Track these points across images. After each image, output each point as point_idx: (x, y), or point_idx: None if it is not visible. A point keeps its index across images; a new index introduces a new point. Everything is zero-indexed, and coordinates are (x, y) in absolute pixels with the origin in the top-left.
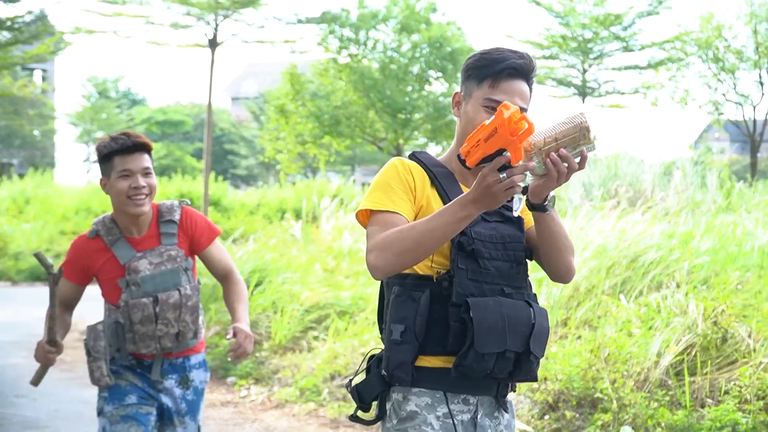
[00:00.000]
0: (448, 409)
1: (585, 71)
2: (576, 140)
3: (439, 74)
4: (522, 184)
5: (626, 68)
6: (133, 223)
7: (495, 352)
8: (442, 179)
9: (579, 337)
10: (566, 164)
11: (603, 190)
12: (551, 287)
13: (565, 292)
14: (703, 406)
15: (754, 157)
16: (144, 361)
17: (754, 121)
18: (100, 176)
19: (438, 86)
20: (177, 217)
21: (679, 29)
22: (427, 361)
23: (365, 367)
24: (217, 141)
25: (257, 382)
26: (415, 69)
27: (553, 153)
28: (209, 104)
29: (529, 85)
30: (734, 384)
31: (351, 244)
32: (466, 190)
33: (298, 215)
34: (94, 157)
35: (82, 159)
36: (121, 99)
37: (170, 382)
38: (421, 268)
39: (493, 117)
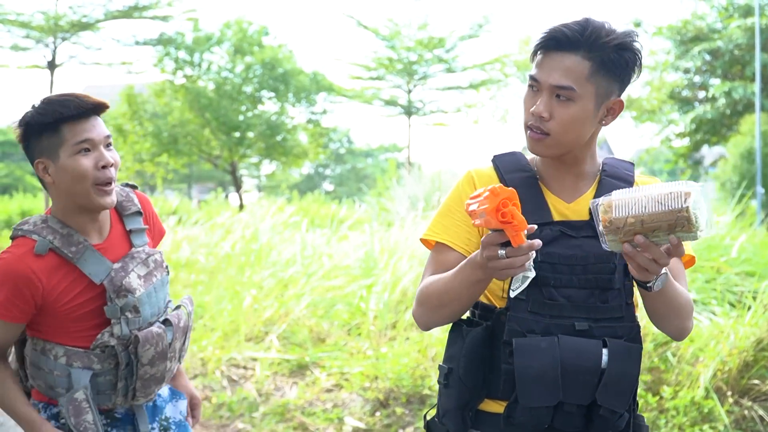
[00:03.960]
0: None
1: (410, 91)
2: (671, 227)
3: (272, 94)
4: (529, 273)
5: (449, 89)
6: (91, 222)
7: (546, 406)
8: (518, 190)
9: (407, 339)
10: (648, 255)
11: (427, 202)
12: (384, 293)
13: (394, 297)
14: None
15: None
16: (116, 413)
17: None
18: (37, 159)
19: (270, 106)
20: (139, 206)
21: (499, 52)
22: (489, 405)
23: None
24: None
25: None
26: (249, 89)
27: (638, 238)
28: None
29: (592, 56)
30: None
31: (188, 255)
32: (551, 198)
33: None
34: None
35: None
36: None
37: None
38: (491, 297)
39: (482, 190)
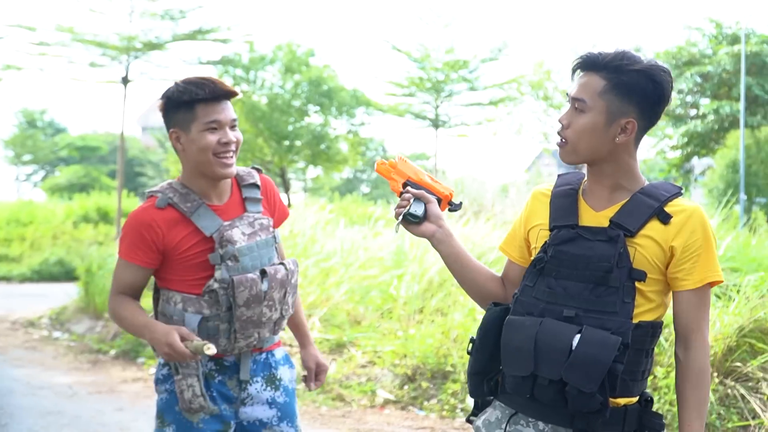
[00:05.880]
0: (504, 430)
1: (438, 107)
2: None
3: (317, 108)
4: (406, 213)
5: (472, 105)
6: (212, 188)
7: (523, 376)
8: (557, 199)
9: (433, 322)
10: None
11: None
12: (413, 282)
13: (421, 286)
14: None
15: None
16: (224, 361)
17: None
18: (171, 128)
19: (316, 118)
20: (258, 181)
21: (516, 73)
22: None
23: None
24: (129, 164)
25: None
26: (297, 104)
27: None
28: (122, 133)
29: (608, 76)
30: None
31: None
32: (583, 207)
33: None
34: (24, 176)
35: (12, 178)
36: (46, 128)
37: (256, 386)
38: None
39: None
